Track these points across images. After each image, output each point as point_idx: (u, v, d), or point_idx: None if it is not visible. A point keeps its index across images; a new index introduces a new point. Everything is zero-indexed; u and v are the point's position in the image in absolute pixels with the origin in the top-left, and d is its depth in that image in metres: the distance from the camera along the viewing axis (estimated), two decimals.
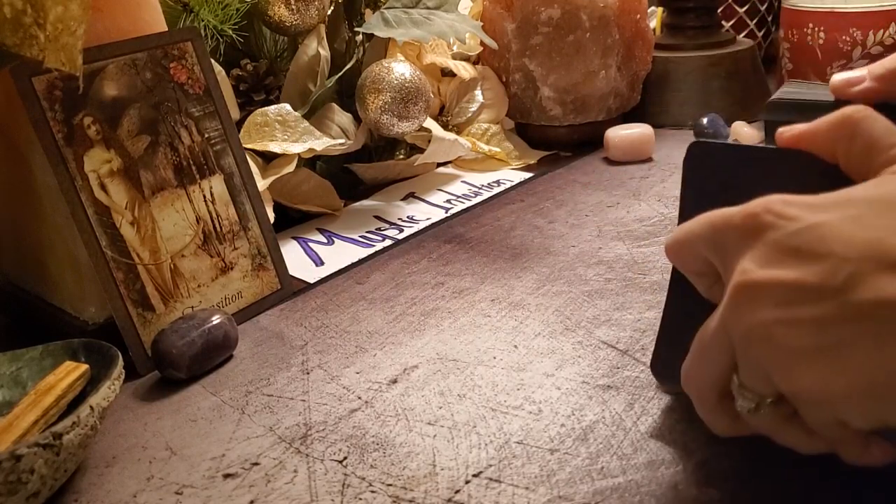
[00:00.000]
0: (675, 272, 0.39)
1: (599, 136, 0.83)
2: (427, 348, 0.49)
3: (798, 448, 0.31)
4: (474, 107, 0.85)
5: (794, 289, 0.27)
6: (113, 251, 0.48)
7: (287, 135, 0.68)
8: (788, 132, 0.35)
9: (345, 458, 0.39)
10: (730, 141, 0.83)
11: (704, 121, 0.83)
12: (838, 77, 0.38)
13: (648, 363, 0.43)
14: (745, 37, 1.01)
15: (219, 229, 0.54)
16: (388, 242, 0.66)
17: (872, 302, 0.25)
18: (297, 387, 0.46)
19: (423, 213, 0.72)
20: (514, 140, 0.87)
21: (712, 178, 0.37)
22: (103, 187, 0.49)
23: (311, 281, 0.61)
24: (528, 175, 0.80)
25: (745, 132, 0.82)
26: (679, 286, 0.39)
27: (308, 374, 0.47)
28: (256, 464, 0.39)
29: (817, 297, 0.27)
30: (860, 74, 0.38)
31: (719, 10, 0.98)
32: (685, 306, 0.37)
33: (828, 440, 0.30)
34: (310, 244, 0.67)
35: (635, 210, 0.68)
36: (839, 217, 0.28)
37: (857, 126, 0.32)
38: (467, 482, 0.36)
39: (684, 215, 0.39)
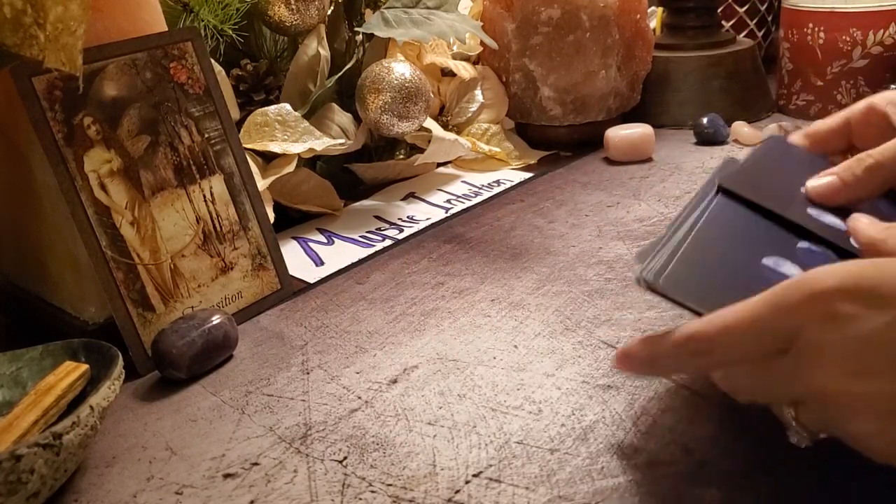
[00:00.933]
0: (705, 194, 0.38)
1: (599, 136, 0.83)
2: (427, 348, 0.49)
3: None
4: (474, 107, 0.85)
5: (891, 400, 0.28)
6: (113, 251, 0.48)
7: (287, 135, 0.68)
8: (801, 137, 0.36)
9: (345, 458, 0.39)
10: (730, 141, 0.83)
11: (704, 121, 0.83)
12: (811, 183, 0.39)
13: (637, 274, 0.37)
14: (745, 37, 1.01)
15: (219, 229, 0.54)
16: (388, 242, 0.66)
17: None
18: (297, 387, 0.46)
19: (423, 213, 0.72)
20: (514, 140, 0.87)
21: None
22: (103, 187, 0.49)
23: (311, 281, 0.61)
24: (528, 175, 0.80)
25: (744, 132, 0.82)
26: (713, 212, 0.37)
27: (308, 374, 0.47)
28: (256, 464, 0.39)
29: None
30: (826, 177, 0.38)
31: (719, 10, 0.98)
32: (715, 232, 0.35)
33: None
34: (310, 244, 0.67)
35: (635, 210, 0.68)
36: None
37: (870, 107, 0.35)
38: (467, 482, 0.36)
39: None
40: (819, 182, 0.38)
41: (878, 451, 0.29)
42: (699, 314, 0.33)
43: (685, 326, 0.32)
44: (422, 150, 0.79)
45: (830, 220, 0.37)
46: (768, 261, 0.34)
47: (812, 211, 0.37)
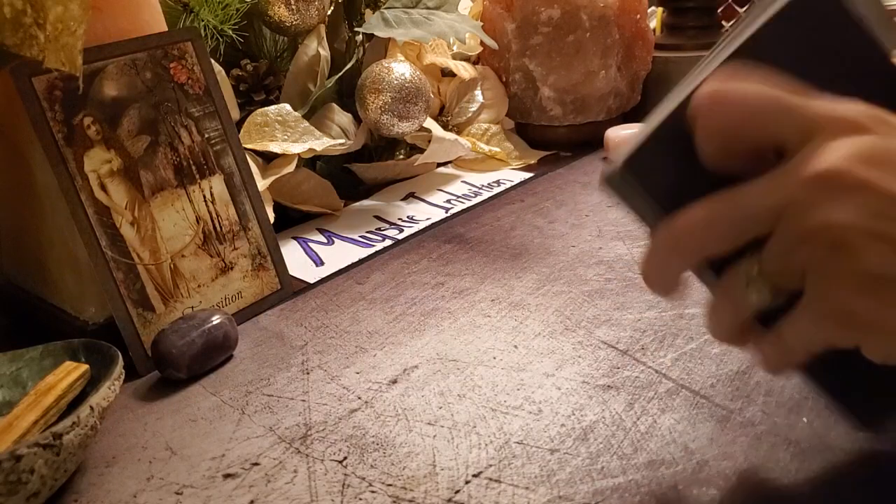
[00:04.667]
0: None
1: (599, 136, 0.83)
2: (427, 348, 0.49)
3: (791, 345, 0.28)
4: (474, 107, 0.85)
5: (894, 202, 0.24)
6: (113, 251, 0.48)
7: (287, 135, 0.68)
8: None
9: (345, 458, 0.39)
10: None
11: None
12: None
13: (607, 176, 0.33)
14: None
15: (219, 229, 0.54)
16: (388, 242, 0.66)
17: None
18: (297, 387, 0.46)
19: (423, 213, 0.72)
20: (514, 140, 0.87)
21: (650, 192, 0.32)
22: (103, 187, 0.49)
23: (311, 281, 0.61)
24: (528, 175, 0.80)
25: None
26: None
27: (308, 374, 0.47)
28: (256, 464, 0.39)
29: None
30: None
31: (719, 10, 0.98)
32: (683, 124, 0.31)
33: (798, 348, 0.27)
34: (310, 244, 0.67)
35: None
36: None
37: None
38: (467, 482, 0.36)
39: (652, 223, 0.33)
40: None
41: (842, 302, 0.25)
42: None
43: (665, 227, 0.28)
44: (422, 150, 0.79)
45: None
46: None
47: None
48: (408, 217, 0.72)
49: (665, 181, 0.31)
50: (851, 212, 0.24)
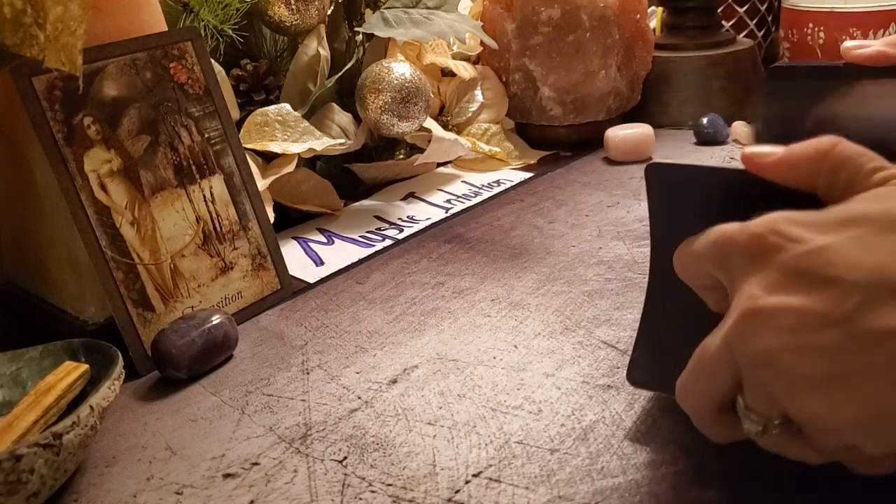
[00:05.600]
0: (652, 276, 0.39)
1: (599, 136, 0.83)
2: (427, 348, 0.49)
3: (807, 461, 0.31)
4: (474, 107, 0.85)
5: (801, 315, 0.27)
6: (113, 251, 0.48)
7: (287, 135, 0.68)
8: (758, 158, 0.33)
9: (345, 458, 0.39)
10: (730, 141, 0.83)
11: (704, 121, 0.83)
12: (849, 43, 0.38)
13: (626, 376, 0.41)
14: (745, 37, 1.01)
15: (219, 229, 0.54)
16: (388, 242, 0.66)
17: (881, 331, 0.25)
18: (297, 387, 0.46)
19: (423, 213, 0.72)
20: (514, 140, 0.87)
21: (677, 199, 0.36)
22: (103, 187, 0.49)
23: (311, 281, 0.61)
24: (528, 175, 0.80)
25: (744, 132, 0.82)
26: (657, 290, 0.38)
27: (308, 374, 0.47)
28: (256, 464, 0.39)
29: (825, 324, 0.26)
30: (870, 42, 0.38)
31: (719, 10, 0.98)
32: (665, 310, 0.36)
33: (837, 457, 0.30)
34: (310, 244, 0.67)
35: (635, 210, 0.68)
36: (845, 238, 0.27)
37: (842, 161, 0.31)
38: (467, 482, 0.36)
39: (656, 237, 0.38)
40: (862, 50, 0.37)
41: (829, 429, 0.27)
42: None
43: None
44: (422, 150, 0.79)
45: None
46: None
47: None
48: (408, 217, 0.72)
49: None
50: (772, 336, 0.27)
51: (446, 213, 0.72)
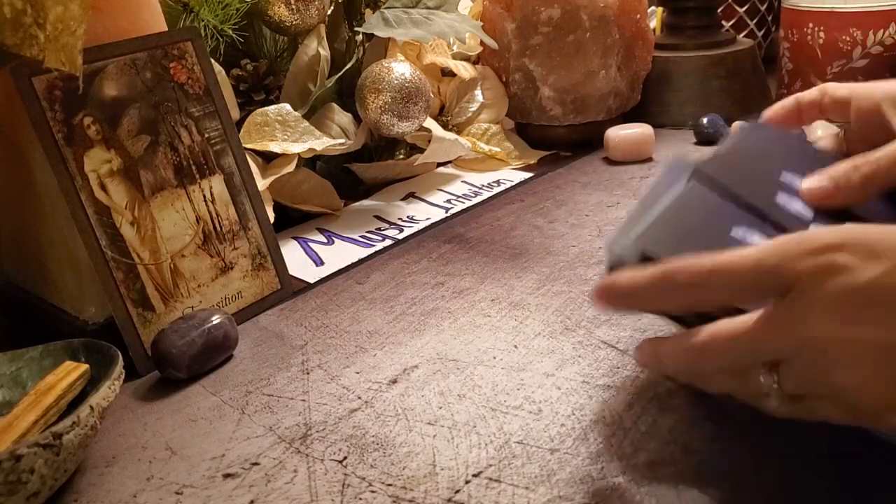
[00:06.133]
0: (672, 179, 0.39)
1: (599, 136, 0.83)
2: (427, 348, 0.49)
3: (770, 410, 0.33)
4: (474, 107, 0.85)
5: (879, 349, 0.29)
6: (113, 251, 0.48)
7: (287, 135, 0.68)
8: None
9: (345, 458, 0.39)
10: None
11: (704, 121, 0.83)
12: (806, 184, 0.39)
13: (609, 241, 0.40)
14: (745, 37, 1.01)
15: (219, 229, 0.54)
16: (388, 242, 0.66)
17: None
18: (297, 387, 0.46)
19: (423, 213, 0.72)
20: (514, 140, 0.87)
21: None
22: (103, 187, 0.49)
23: (311, 281, 0.61)
24: (528, 175, 0.80)
25: None
26: (686, 193, 0.37)
27: (308, 374, 0.47)
28: (256, 464, 0.39)
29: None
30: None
31: (719, 10, 0.98)
32: (687, 209, 0.36)
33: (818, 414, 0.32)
34: (310, 244, 0.67)
35: None
36: None
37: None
38: (467, 482, 0.36)
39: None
40: (813, 185, 0.38)
41: (861, 406, 0.30)
42: None
43: (674, 262, 0.32)
44: (422, 150, 0.79)
45: (798, 208, 0.37)
46: (737, 231, 0.35)
47: (782, 198, 0.37)
48: (408, 217, 0.72)
49: (669, 251, 0.35)
50: (846, 370, 0.30)
51: (446, 213, 0.72)
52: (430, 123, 0.77)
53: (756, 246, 0.31)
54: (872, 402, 0.30)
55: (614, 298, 0.34)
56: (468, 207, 0.73)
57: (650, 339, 0.35)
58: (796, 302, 0.30)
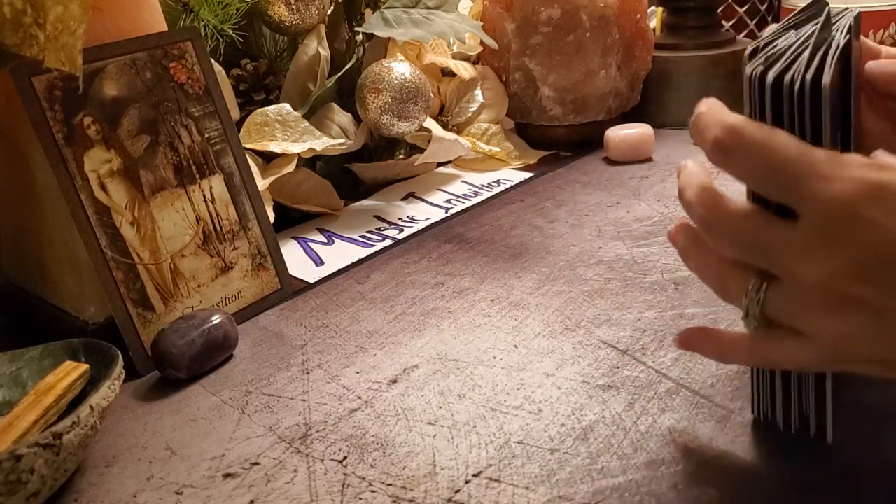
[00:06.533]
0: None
1: (599, 136, 0.83)
2: (427, 348, 0.49)
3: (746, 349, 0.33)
4: (474, 107, 0.85)
5: (880, 314, 0.28)
6: (113, 251, 0.48)
7: (287, 135, 0.68)
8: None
9: (345, 457, 0.39)
10: None
11: None
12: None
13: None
14: (745, 37, 1.01)
15: (219, 229, 0.54)
16: (388, 242, 0.66)
17: None
18: (297, 387, 0.46)
19: (423, 213, 0.72)
20: (514, 140, 0.87)
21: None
22: (103, 187, 0.49)
23: (311, 281, 0.61)
24: (528, 175, 0.80)
25: None
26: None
27: (308, 373, 0.47)
28: (256, 464, 0.39)
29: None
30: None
31: (719, 10, 0.98)
32: None
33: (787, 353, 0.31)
34: (310, 244, 0.67)
35: (635, 210, 0.68)
36: None
37: None
38: (467, 482, 0.36)
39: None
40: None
41: (845, 355, 0.30)
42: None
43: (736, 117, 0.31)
44: (422, 150, 0.79)
45: None
46: None
47: None
48: (408, 217, 0.72)
49: None
50: (846, 323, 0.29)
51: (446, 213, 0.72)
52: (430, 123, 0.77)
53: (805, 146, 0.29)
54: (858, 350, 0.29)
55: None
56: (468, 207, 0.73)
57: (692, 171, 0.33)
58: (814, 234, 0.28)
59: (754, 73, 0.33)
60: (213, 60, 0.58)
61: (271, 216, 0.61)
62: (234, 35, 0.67)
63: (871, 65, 0.40)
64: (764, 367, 0.36)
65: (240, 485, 0.38)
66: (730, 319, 0.48)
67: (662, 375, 0.43)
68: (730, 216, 0.31)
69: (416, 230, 0.68)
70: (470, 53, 0.89)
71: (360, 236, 0.68)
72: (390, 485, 0.37)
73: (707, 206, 0.31)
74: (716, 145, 0.31)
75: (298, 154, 0.68)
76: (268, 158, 0.70)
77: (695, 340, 0.35)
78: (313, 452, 0.40)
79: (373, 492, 0.36)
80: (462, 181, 0.80)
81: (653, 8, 0.99)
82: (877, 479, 0.34)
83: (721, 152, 0.31)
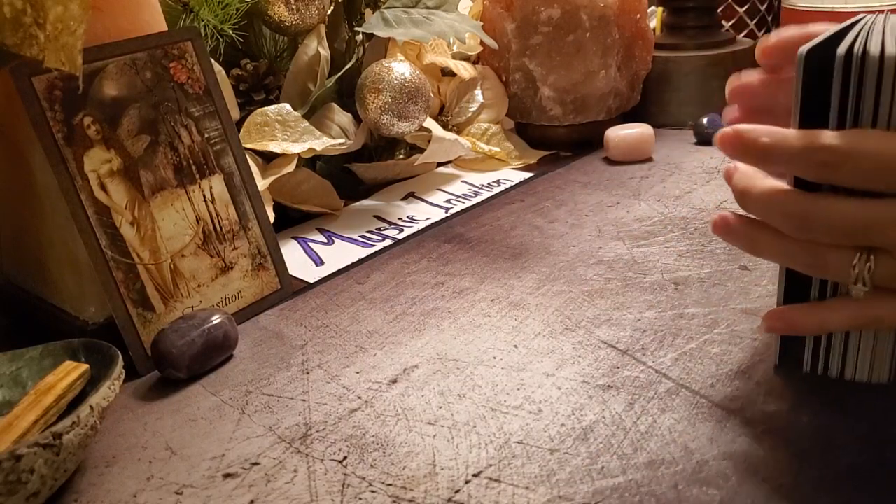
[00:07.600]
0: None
1: (599, 136, 0.83)
2: (427, 348, 0.49)
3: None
4: (474, 107, 0.85)
5: None
6: (113, 251, 0.48)
7: (287, 135, 0.68)
8: None
9: (345, 458, 0.39)
10: None
11: (704, 121, 0.83)
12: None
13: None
14: (745, 37, 1.01)
15: (219, 229, 0.54)
16: (388, 242, 0.67)
17: None
18: (297, 387, 0.46)
19: (423, 213, 0.72)
20: (514, 140, 0.87)
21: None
22: (103, 187, 0.49)
23: (311, 281, 0.61)
24: (528, 175, 0.80)
25: None
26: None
27: (308, 373, 0.47)
28: (256, 464, 0.39)
29: None
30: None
31: (719, 10, 0.98)
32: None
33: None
34: (310, 244, 0.67)
35: (635, 210, 0.68)
36: None
37: None
38: (467, 482, 0.37)
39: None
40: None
41: None
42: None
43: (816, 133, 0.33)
44: (422, 150, 0.79)
45: None
46: None
47: None
48: (408, 217, 0.72)
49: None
50: None
51: (446, 213, 0.72)
52: (430, 123, 0.77)
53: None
54: None
55: (750, 148, 0.35)
56: (468, 207, 0.73)
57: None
58: None
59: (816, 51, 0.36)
60: (213, 60, 0.58)
61: (271, 216, 0.61)
62: (234, 35, 0.67)
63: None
64: (867, 328, 0.38)
65: (240, 485, 0.38)
66: (730, 319, 0.48)
67: (662, 375, 0.43)
68: (820, 209, 0.33)
69: (416, 230, 0.68)
70: (470, 53, 0.89)
71: (360, 236, 0.68)
72: (390, 485, 0.37)
73: (794, 204, 0.34)
74: (822, 166, 0.33)
75: (298, 154, 0.68)
76: (268, 158, 0.70)
77: (786, 320, 0.38)
78: (313, 452, 0.40)
79: (373, 492, 0.36)
80: (462, 181, 0.80)
81: (653, 8, 0.99)
82: (879, 477, 0.34)
83: (826, 168, 0.33)
